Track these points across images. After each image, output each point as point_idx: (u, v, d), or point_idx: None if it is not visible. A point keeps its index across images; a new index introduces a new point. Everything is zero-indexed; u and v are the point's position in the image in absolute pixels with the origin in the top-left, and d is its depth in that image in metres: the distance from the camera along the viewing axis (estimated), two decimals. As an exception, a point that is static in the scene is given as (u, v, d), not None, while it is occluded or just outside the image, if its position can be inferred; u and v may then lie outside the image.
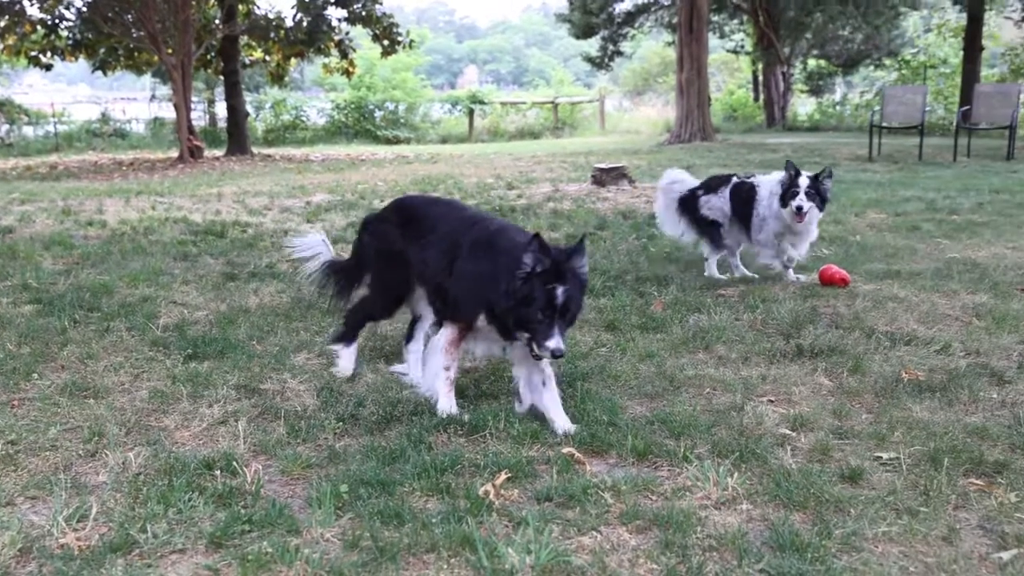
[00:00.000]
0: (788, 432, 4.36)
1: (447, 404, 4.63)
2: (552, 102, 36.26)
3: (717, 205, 7.88)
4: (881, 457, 4.18)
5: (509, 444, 4.27)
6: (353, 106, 33.46)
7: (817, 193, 7.20)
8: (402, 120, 33.80)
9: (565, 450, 4.15)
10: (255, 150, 26.40)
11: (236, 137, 26.27)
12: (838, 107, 34.53)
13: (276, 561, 3.16)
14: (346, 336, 5.31)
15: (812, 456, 4.20)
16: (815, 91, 38.97)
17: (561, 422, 4.44)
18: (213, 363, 5.49)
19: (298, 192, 14.03)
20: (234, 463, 3.97)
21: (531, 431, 4.38)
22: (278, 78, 28.49)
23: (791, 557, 3.22)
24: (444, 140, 32.29)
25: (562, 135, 33.50)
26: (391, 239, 5.06)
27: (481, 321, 4.51)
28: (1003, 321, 6.12)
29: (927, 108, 19.70)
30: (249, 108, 30.38)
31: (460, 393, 4.96)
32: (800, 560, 3.19)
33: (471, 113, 34.35)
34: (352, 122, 33.20)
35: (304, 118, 33.65)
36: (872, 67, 36.62)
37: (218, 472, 3.92)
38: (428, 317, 5.14)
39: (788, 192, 7.24)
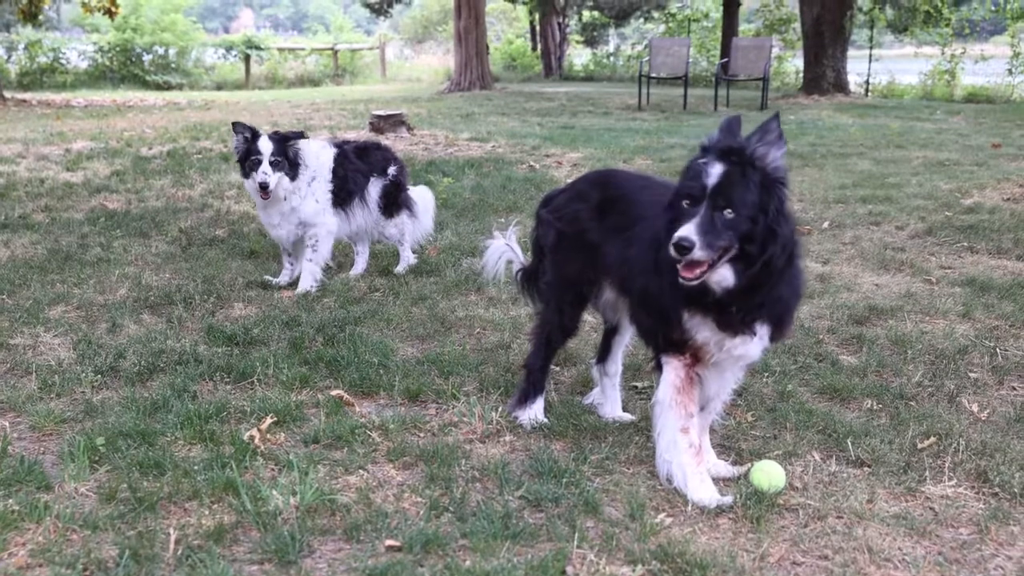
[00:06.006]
0: (553, 367, 4.53)
1: (703, 490, 3.32)
2: (332, 49, 35.36)
3: None
4: (637, 386, 4.45)
5: (278, 390, 4.25)
6: (119, 49, 31.35)
7: (285, 159, 5.84)
8: (173, 65, 32.03)
9: (334, 392, 4.17)
10: (8, 94, 24.40)
11: (-16, 80, 24.19)
12: (611, 58, 35.57)
13: (24, 519, 3.03)
14: (530, 396, 4.01)
15: (574, 388, 4.42)
16: (590, 42, 40.00)
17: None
18: (-45, 320, 5.13)
19: (57, 139, 13.14)
20: (-24, 422, 3.76)
21: (300, 376, 4.37)
22: (31, 16, 26.26)
23: (549, 482, 3.39)
24: (219, 87, 30.89)
25: (342, 83, 32.83)
26: (581, 223, 3.77)
27: (692, 322, 3.25)
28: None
29: (691, 60, 20.65)
30: (-1, 49, 28.01)
31: (229, 340, 4.88)
32: (557, 485, 3.36)
33: (247, 59, 33.01)
34: (118, 66, 31.14)
35: (64, 61, 31.29)
36: (642, 19, 37.93)
37: (-41, 433, 3.69)
38: (627, 328, 4.01)
39: (248, 160, 5.83)
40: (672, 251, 2.94)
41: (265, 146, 5.76)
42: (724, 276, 3.04)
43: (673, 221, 3.04)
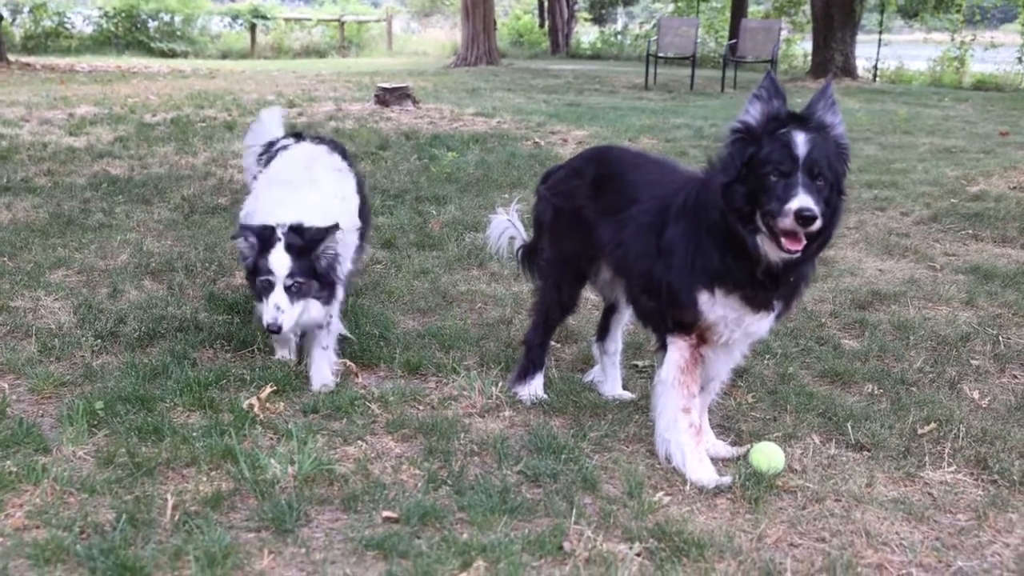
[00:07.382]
0: (554, 343, 4.52)
1: (702, 470, 3.32)
2: (339, 20, 35.11)
3: None
4: (637, 365, 4.44)
5: (278, 359, 4.24)
6: (124, 15, 31.20)
7: (313, 276, 3.81)
8: (179, 32, 31.89)
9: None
10: (12, 58, 24.28)
11: (-12, 43, 24.04)
12: (619, 36, 35.36)
13: (21, 480, 3.04)
14: (529, 371, 4.02)
15: (575, 365, 4.41)
16: (598, 20, 39.78)
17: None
18: (-45, 281, 5.12)
19: (60, 103, 13.08)
20: (-26, 383, 3.75)
21: (298, 346, 4.36)
22: (36, -21, 26.23)
23: (548, 458, 3.38)
24: (224, 55, 30.75)
25: (349, 55, 32.66)
26: (577, 199, 3.73)
27: (710, 302, 3.20)
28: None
29: (699, 40, 20.51)
30: (3, 11, 27.79)
31: (230, 308, 4.86)
32: (556, 461, 3.36)
33: (253, 28, 32.82)
34: (123, 32, 30.99)
35: (69, 25, 31.15)
36: (651, -2, 37.76)
37: (-44, 394, 3.69)
38: (625, 307, 3.93)
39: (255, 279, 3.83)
40: (792, 223, 2.87)
41: (279, 264, 3.71)
42: None
43: (752, 194, 2.98)
